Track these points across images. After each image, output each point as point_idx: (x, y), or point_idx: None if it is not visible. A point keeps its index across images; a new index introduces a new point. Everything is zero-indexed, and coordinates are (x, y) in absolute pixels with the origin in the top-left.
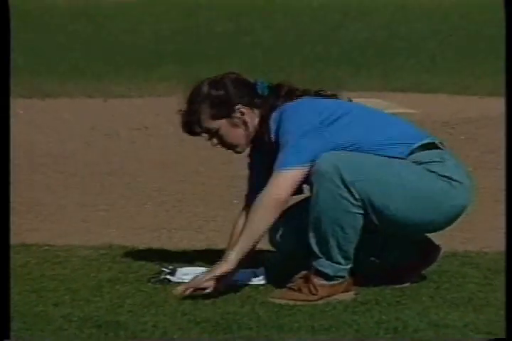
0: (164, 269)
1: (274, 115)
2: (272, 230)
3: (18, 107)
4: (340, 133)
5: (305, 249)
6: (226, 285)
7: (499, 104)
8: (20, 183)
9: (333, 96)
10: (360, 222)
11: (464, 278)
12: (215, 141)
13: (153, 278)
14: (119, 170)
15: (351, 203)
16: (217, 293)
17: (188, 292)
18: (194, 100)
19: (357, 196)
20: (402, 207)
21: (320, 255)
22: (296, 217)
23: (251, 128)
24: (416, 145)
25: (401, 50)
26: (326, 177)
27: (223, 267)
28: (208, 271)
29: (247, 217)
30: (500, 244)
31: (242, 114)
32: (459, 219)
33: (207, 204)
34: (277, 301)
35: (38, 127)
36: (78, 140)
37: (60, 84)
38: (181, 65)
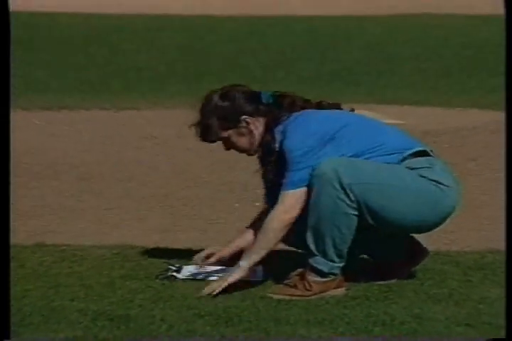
0: (171, 267)
1: (279, 127)
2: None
3: (37, 118)
4: (341, 147)
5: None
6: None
7: (478, 116)
8: (40, 189)
9: (335, 106)
10: (355, 222)
11: (446, 275)
12: (228, 146)
13: (160, 275)
14: (129, 176)
15: (348, 205)
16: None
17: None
18: (205, 112)
19: (353, 198)
20: (398, 208)
21: (316, 253)
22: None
23: (257, 136)
24: (408, 153)
25: (385, 69)
26: (325, 180)
27: (236, 275)
28: (222, 278)
29: (262, 218)
30: (478, 244)
31: (248, 123)
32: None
33: (210, 208)
34: (275, 296)
35: (56, 136)
36: (93, 148)
37: (77, 98)
38: (187, 82)
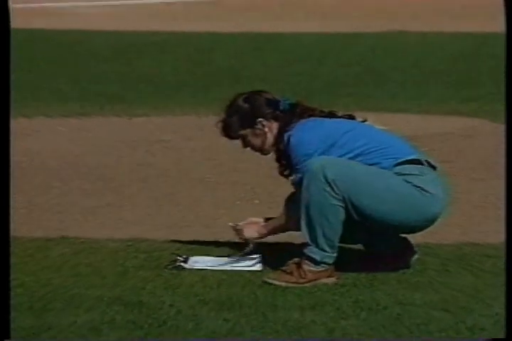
0: (179, 258)
1: (290, 132)
2: None
3: (60, 125)
4: (341, 149)
5: None
6: None
7: (453, 123)
8: (62, 188)
9: (348, 116)
10: (342, 213)
11: (425, 265)
12: (244, 144)
13: (169, 265)
14: (141, 176)
15: (333, 197)
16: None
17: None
18: (229, 111)
19: (337, 191)
20: (380, 208)
21: (310, 242)
22: None
23: (270, 138)
24: (402, 159)
25: (370, 81)
26: (313, 174)
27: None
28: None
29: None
30: (455, 238)
31: (263, 126)
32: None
33: (213, 206)
34: (271, 281)
35: (76, 141)
36: (108, 151)
37: (95, 107)
38: (194, 92)
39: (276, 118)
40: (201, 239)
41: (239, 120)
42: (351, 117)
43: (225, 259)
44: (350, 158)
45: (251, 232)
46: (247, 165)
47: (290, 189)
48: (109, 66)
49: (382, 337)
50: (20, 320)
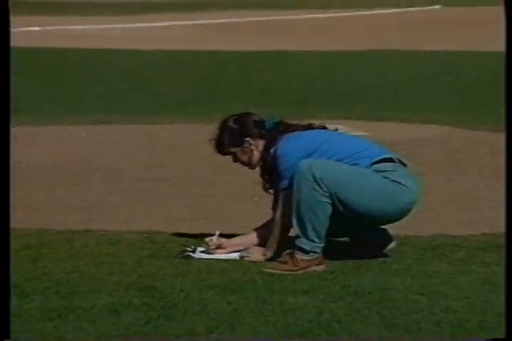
0: (187, 248)
1: (273, 149)
2: None
3: (84, 132)
4: (322, 156)
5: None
6: None
7: (429, 130)
8: (87, 187)
9: (322, 127)
10: (329, 209)
11: (404, 254)
12: (235, 159)
13: (179, 254)
14: (155, 176)
15: (321, 194)
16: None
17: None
18: (220, 130)
19: (325, 189)
20: (363, 201)
21: (300, 234)
22: None
23: (256, 155)
24: (377, 159)
25: (356, 94)
26: (302, 174)
27: (267, 256)
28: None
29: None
30: (430, 230)
31: (250, 144)
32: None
33: (217, 202)
34: (269, 271)
35: (98, 145)
36: (126, 155)
37: (115, 116)
38: (203, 105)
39: (262, 137)
40: (207, 231)
41: (229, 139)
42: (324, 127)
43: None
44: (337, 156)
45: (257, 257)
46: (246, 169)
47: None
48: (128, 82)
49: (381, 334)
50: (47, 302)
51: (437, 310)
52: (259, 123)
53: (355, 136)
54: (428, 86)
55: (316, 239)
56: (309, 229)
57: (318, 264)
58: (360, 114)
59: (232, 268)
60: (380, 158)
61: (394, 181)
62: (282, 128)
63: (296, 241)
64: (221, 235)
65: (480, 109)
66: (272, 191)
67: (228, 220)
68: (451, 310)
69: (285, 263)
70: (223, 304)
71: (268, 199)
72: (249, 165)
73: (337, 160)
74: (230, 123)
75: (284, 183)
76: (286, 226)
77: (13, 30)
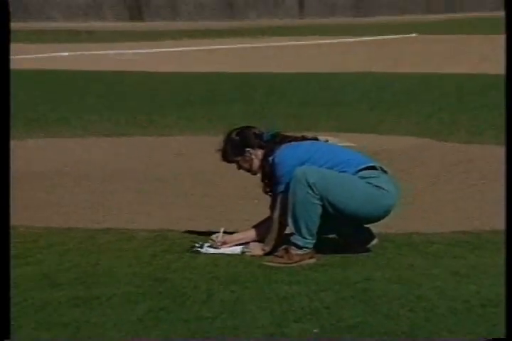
0: (196, 244)
1: (271, 157)
2: None
3: (105, 142)
4: (314, 164)
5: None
6: None
7: (406, 141)
8: (105, 191)
9: (314, 138)
10: (319, 209)
11: (385, 250)
12: (239, 167)
13: (189, 250)
14: (166, 180)
15: (313, 197)
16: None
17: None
18: (225, 142)
19: (317, 192)
20: (350, 203)
21: (295, 232)
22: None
23: (256, 163)
24: (362, 167)
25: (342, 110)
26: (297, 179)
27: (265, 250)
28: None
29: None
30: (407, 228)
31: (251, 154)
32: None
33: (221, 203)
34: (268, 264)
35: (117, 155)
36: (141, 162)
37: (133, 128)
38: (208, 118)
39: (261, 147)
40: (213, 230)
41: (232, 150)
42: (316, 138)
43: (231, 247)
44: (328, 165)
45: (256, 252)
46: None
47: None
48: (145, 98)
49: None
50: (75, 291)
51: (412, 297)
52: (259, 135)
53: (343, 146)
54: (406, 103)
55: (308, 236)
56: (303, 227)
57: (310, 258)
58: (346, 127)
59: (235, 261)
60: (364, 166)
61: (376, 186)
62: (279, 140)
63: (291, 238)
64: (224, 232)
65: (450, 124)
66: (271, 194)
67: (231, 220)
68: (425, 297)
69: (281, 257)
70: (227, 293)
71: (266, 201)
72: (251, 171)
73: (328, 168)
74: (233, 136)
75: (281, 187)
76: (282, 225)
77: (42, 55)
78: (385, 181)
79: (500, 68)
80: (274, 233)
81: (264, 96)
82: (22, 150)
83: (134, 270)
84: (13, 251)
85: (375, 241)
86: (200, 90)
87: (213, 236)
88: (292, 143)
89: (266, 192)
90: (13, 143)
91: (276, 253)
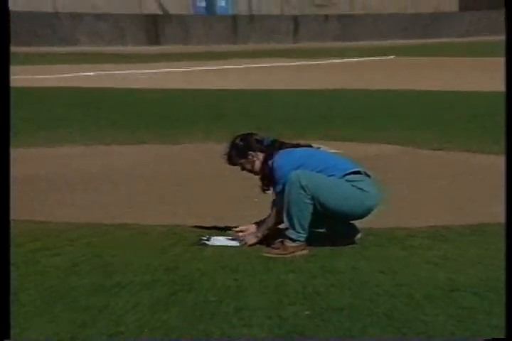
0: (203, 238)
1: (271, 161)
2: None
3: (122, 150)
4: (307, 168)
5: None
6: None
7: (384, 149)
8: (121, 189)
9: (308, 145)
10: (311, 208)
11: (369, 243)
12: (242, 168)
13: (196, 243)
14: (177, 182)
15: (305, 196)
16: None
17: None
18: (230, 146)
19: (308, 192)
20: (336, 203)
21: (289, 227)
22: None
23: (258, 165)
24: (348, 171)
25: (329, 122)
26: (292, 182)
27: (258, 236)
28: (249, 239)
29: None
30: (390, 223)
31: (253, 156)
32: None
33: (226, 202)
34: (266, 254)
35: (132, 159)
36: (156, 165)
37: (149, 136)
38: (215, 128)
39: (262, 151)
40: (218, 225)
41: (236, 153)
42: (310, 146)
43: (234, 239)
44: (319, 169)
45: (251, 239)
46: (249, 175)
47: None
48: (160, 112)
49: (350, 303)
50: (96, 279)
51: (393, 284)
52: (259, 141)
53: (333, 153)
54: (386, 116)
55: (301, 231)
56: (296, 222)
57: (303, 250)
58: (333, 136)
59: (237, 252)
60: (350, 171)
61: (359, 188)
62: (277, 145)
63: (286, 232)
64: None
65: (423, 133)
66: (267, 192)
67: (233, 217)
68: (404, 284)
69: (277, 248)
70: (230, 280)
71: (264, 200)
72: (253, 172)
73: (318, 172)
74: (237, 141)
75: (279, 188)
76: (278, 220)
77: (72, 75)
78: (367, 184)
79: (467, 85)
80: (269, 223)
81: (263, 109)
82: (57, 157)
83: (148, 260)
84: (42, 244)
85: (359, 235)
86: (208, 104)
87: (236, 229)
88: (289, 149)
89: (263, 190)
90: (47, 150)
91: (273, 246)
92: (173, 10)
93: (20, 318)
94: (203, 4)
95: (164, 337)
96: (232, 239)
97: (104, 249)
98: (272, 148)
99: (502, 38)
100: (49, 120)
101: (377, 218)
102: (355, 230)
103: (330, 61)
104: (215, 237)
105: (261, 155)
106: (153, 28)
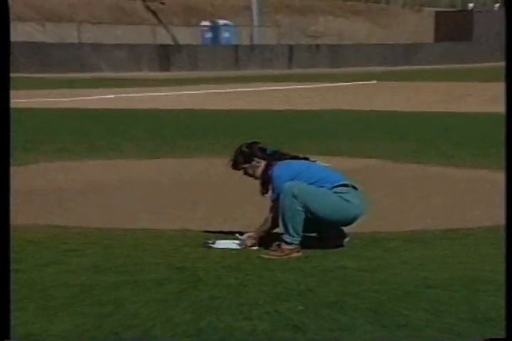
0: (209, 241)
1: (271, 170)
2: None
3: (143, 166)
4: (302, 179)
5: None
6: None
7: (369, 162)
8: (135, 197)
9: (305, 158)
10: (303, 214)
11: (355, 245)
12: (244, 173)
13: (203, 245)
14: (187, 190)
15: (297, 204)
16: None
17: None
18: (236, 153)
19: (300, 201)
20: (324, 212)
21: (284, 232)
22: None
23: (260, 170)
24: (337, 184)
25: (320, 139)
26: (286, 192)
27: (255, 239)
28: (245, 242)
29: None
30: (373, 228)
31: (256, 163)
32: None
33: (231, 207)
34: (264, 256)
35: (149, 171)
36: (170, 177)
37: (159, 153)
38: (222, 143)
39: (264, 158)
40: (223, 229)
41: (242, 159)
42: (307, 158)
43: (235, 242)
44: (312, 181)
45: (249, 241)
46: (253, 182)
47: None
48: (172, 129)
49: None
50: (114, 277)
51: (376, 281)
52: (263, 149)
53: (326, 166)
54: (368, 133)
55: (295, 235)
56: (290, 228)
57: (298, 252)
58: (324, 150)
59: (239, 254)
60: (338, 183)
61: (346, 200)
62: (278, 156)
63: (282, 236)
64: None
65: (401, 149)
66: (265, 195)
67: (236, 220)
68: (386, 282)
69: (275, 250)
70: (232, 279)
71: (265, 206)
72: (254, 176)
73: (311, 183)
74: (243, 148)
75: (275, 196)
76: (274, 225)
77: (94, 97)
78: (353, 196)
79: (439, 107)
80: (264, 227)
81: (262, 126)
82: (80, 169)
83: (160, 260)
84: (68, 246)
85: (347, 239)
86: (213, 123)
87: (243, 237)
88: (287, 161)
89: (262, 193)
90: (70, 164)
91: (271, 248)
92: (183, 40)
93: (48, 312)
94: (210, 35)
95: (174, 328)
96: (234, 242)
97: (121, 251)
98: (273, 157)
99: (469, 65)
100: (74, 136)
101: (361, 223)
102: (342, 234)
103: (320, 85)
104: (220, 241)
105: (263, 163)
106: (166, 56)
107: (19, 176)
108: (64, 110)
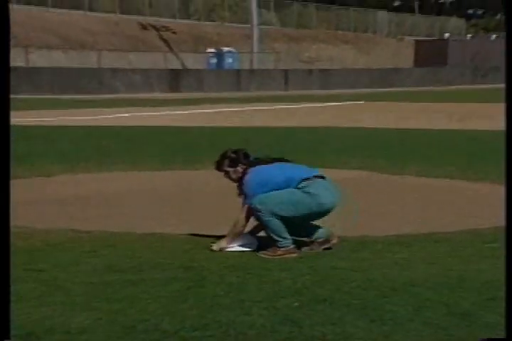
0: (211, 244)
1: (246, 175)
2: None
3: (143, 177)
4: (271, 183)
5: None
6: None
7: (357, 173)
8: (145, 204)
9: (280, 159)
10: (275, 221)
11: (344, 247)
12: (225, 175)
13: (207, 247)
14: (195, 200)
15: (265, 216)
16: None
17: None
18: (222, 157)
19: (267, 211)
20: (287, 211)
21: (272, 239)
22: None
23: (237, 176)
24: (301, 179)
25: (312, 152)
26: (253, 208)
27: (227, 242)
28: (220, 241)
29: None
30: (360, 232)
31: (239, 168)
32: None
33: (232, 213)
34: (262, 256)
35: (162, 181)
36: (181, 187)
37: (170, 165)
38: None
39: (244, 164)
40: (223, 233)
41: (227, 163)
42: (282, 159)
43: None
44: (280, 184)
45: (222, 243)
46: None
47: None
48: (182, 144)
49: (331, 294)
50: (125, 276)
51: (365, 280)
52: (246, 156)
53: (294, 164)
54: (356, 147)
55: (281, 239)
56: (273, 234)
57: (293, 253)
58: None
59: (240, 255)
60: (301, 178)
61: (307, 192)
62: (256, 162)
63: (274, 241)
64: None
65: (387, 162)
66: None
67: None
68: (373, 280)
69: (272, 252)
70: (234, 277)
71: None
72: (233, 180)
73: (277, 189)
74: (229, 153)
75: (246, 201)
76: (246, 224)
77: (112, 116)
78: (315, 187)
79: (420, 124)
80: (236, 229)
81: (262, 142)
82: (98, 180)
83: (168, 261)
84: (85, 248)
85: (336, 241)
86: (218, 138)
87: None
88: (260, 167)
89: (238, 195)
90: (89, 175)
91: (268, 249)
92: (191, 65)
93: (68, 307)
94: (215, 61)
95: (181, 323)
96: (237, 245)
97: (134, 252)
98: (252, 163)
99: (444, 88)
100: (93, 151)
101: (351, 228)
102: (332, 236)
103: (313, 105)
104: (232, 244)
105: (242, 168)
106: (175, 79)
107: (50, 186)
108: (84, 128)
